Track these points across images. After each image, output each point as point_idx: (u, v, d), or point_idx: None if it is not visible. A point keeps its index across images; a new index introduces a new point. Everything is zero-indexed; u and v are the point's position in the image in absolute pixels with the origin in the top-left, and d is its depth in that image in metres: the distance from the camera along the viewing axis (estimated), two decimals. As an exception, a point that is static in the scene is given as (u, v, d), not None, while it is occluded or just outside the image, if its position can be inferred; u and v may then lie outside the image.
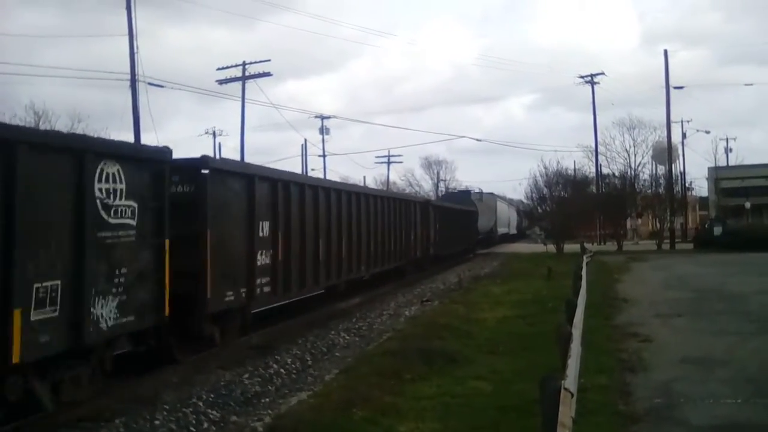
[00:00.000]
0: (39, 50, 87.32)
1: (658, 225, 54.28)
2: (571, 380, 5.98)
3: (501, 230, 60.77)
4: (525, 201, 65.80)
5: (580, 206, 48.89)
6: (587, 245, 42.81)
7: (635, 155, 56.34)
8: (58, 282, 7.91)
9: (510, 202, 71.98)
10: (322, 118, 67.03)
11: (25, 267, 7.46)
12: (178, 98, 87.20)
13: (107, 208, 8.80)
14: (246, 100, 45.86)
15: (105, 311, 8.70)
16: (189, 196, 11.43)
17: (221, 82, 45.77)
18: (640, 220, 62.21)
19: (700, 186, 74.42)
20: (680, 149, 64.21)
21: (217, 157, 43.02)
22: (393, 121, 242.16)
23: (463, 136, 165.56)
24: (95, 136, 19.32)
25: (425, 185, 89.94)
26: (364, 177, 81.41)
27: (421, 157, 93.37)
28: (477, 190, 55.83)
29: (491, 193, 58.70)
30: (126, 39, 31.78)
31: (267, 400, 9.73)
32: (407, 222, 26.50)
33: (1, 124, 9.24)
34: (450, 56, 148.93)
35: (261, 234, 13.32)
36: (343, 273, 18.59)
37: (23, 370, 7.70)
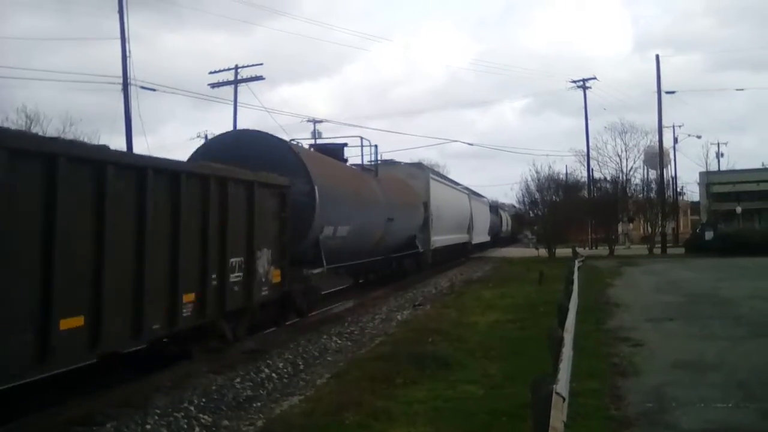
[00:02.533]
0: (36, 53, 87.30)
1: (649, 229, 54.43)
2: (562, 384, 6.00)
3: (446, 238, 34.40)
4: (516, 205, 65.80)
5: (572, 210, 49.00)
6: (579, 249, 42.96)
7: (627, 160, 56.43)
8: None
9: (473, 193, 50.41)
10: (314, 122, 66.75)
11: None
12: (173, 102, 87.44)
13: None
14: (239, 104, 45.77)
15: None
16: None
17: (213, 85, 45.70)
18: (631, 225, 62.42)
19: (691, 190, 74.72)
20: (672, 154, 64.52)
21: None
22: (386, 125, 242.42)
23: (456, 141, 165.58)
24: (84, 140, 18.99)
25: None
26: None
27: (414, 161, 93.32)
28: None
29: (418, 164, 36.18)
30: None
31: (259, 404, 9.71)
32: None
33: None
34: (444, 61, 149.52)
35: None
36: None
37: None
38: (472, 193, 49.31)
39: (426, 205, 29.86)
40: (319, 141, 28.43)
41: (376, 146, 25.71)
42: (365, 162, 25.01)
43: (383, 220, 22.46)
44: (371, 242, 21.98)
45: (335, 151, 21.74)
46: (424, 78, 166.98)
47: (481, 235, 49.74)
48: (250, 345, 13.22)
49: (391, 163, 30.92)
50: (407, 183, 28.81)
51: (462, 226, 41.06)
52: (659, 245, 49.52)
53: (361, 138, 24.52)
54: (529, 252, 48.56)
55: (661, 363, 10.99)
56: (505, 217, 73.87)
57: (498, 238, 65.57)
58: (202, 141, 67.27)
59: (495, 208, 64.92)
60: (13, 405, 8.60)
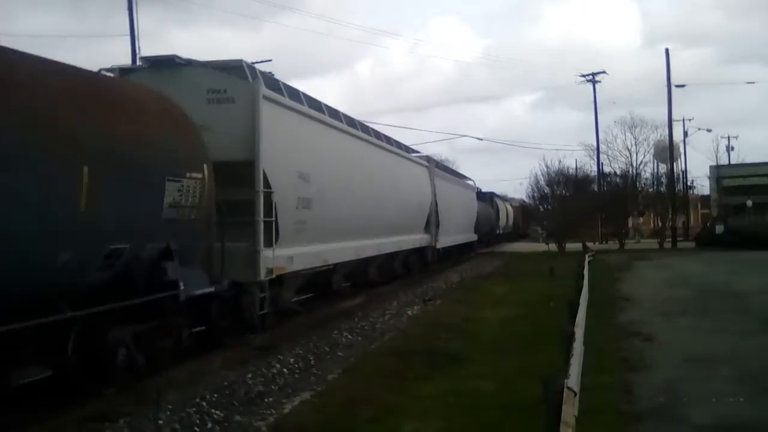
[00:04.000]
0: (47, 51, 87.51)
1: (659, 223, 54.30)
2: (573, 379, 6.01)
3: (318, 250, 15.50)
4: (526, 200, 65.62)
5: (582, 205, 48.90)
6: (589, 244, 42.88)
7: (637, 154, 56.56)
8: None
9: (443, 168, 35.48)
10: (324, 118, 66.48)
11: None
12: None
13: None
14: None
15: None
16: None
17: (223, 82, 45.71)
18: (641, 219, 62.28)
19: (701, 184, 74.46)
20: (682, 148, 64.29)
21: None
22: (396, 120, 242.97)
23: (465, 135, 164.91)
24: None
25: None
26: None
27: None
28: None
29: (237, 63, 13.16)
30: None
31: (270, 399, 9.74)
32: None
33: None
34: (454, 56, 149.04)
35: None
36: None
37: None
38: (441, 168, 32.76)
39: (252, 171, 12.51)
40: None
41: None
42: None
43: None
44: None
45: None
46: (434, 73, 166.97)
47: (458, 234, 34.90)
48: (260, 341, 13.29)
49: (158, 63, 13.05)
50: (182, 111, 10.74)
51: (411, 219, 25.45)
52: (669, 239, 49.38)
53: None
54: (539, 247, 48.45)
55: (672, 357, 10.99)
56: (505, 208, 61.32)
57: (493, 236, 51.39)
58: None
59: (489, 196, 52.18)
60: (26, 403, 8.68)
